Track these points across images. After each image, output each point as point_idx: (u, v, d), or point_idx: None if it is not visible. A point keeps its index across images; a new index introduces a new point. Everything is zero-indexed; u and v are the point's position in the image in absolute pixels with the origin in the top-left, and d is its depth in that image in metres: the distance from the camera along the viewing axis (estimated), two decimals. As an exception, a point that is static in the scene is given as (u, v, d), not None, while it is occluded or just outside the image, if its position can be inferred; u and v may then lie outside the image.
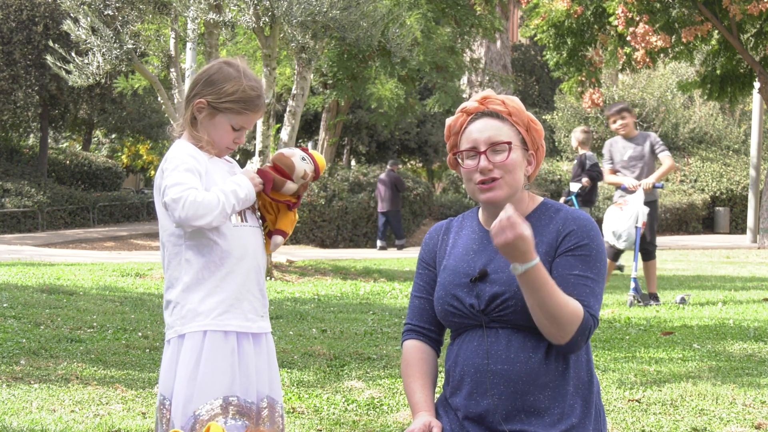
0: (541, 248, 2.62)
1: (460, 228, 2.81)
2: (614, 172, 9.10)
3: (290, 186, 2.93)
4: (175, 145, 2.90)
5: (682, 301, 9.07)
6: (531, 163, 2.72)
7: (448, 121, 2.76)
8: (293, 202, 2.98)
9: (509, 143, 2.64)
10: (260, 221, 2.99)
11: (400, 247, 21.32)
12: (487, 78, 26.00)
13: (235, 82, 2.89)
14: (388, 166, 21.99)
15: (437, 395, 2.79)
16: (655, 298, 9.05)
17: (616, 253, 9.10)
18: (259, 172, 2.95)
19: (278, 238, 2.99)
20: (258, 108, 2.94)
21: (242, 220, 2.90)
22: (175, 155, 2.84)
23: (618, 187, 9.08)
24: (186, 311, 2.82)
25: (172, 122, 10.59)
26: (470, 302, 2.64)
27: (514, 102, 2.70)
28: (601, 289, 2.63)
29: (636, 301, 8.95)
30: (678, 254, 18.46)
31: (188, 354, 2.80)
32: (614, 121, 9.06)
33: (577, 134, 11.89)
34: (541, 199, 2.75)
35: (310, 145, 28.53)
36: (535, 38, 21.16)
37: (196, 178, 2.80)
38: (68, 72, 11.09)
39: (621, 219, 8.78)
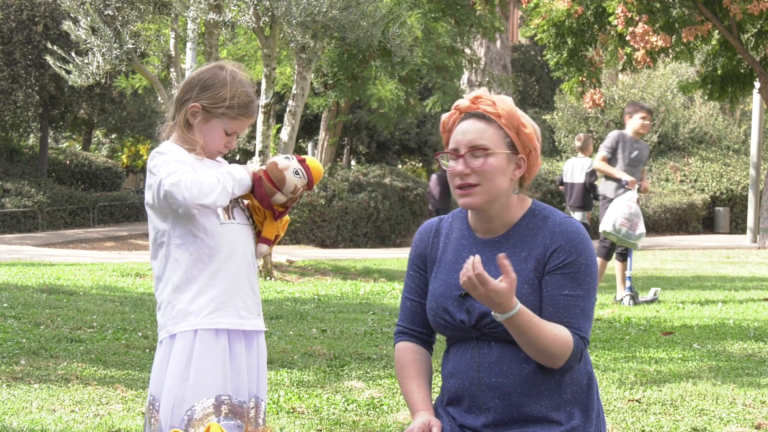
0: (529, 263, 2.57)
1: (449, 230, 2.73)
2: (607, 161, 9.07)
3: (279, 197, 2.92)
4: (160, 146, 2.91)
5: (654, 295, 9.18)
6: (521, 167, 2.61)
7: (443, 116, 2.70)
8: (280, 211, 2.97)
9: (487, 149, 2.56)
10: (249, 219, 2.98)
11: None
12: (487, 78, 25.98)
13: (231, 88, 2.91)
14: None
15: (435, 395, 2.77)
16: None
17: (609, 251, 9.11)
18: (253, 176, 2.94)
19: (263, 247, 2.98)
20: (252, 114, 2.97)
21: (229, 218, 2.89)
22: (162, 152, 2.84)
23: (611, 178, 9.06)
24: (176, 311, 2.82)
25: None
26: (461, 318, 2.59)
27: (506, 104, 2.60)
28: (592, 304, 2.58)
29: (631, 301, 9.01)
30: (678, 254, 18.45)
31: (179, 354, 2.79)
32: (644, 118, 9.06)
33: (575, 142, 11.91)
34: (529, 202, 2.67)
35: (310, 145, 28.48)
36: (536, 38, 21.13)
37: (188, 167, 2.80)
38: (68, 72, 11.10)
39: (639, 216, 8.81)
